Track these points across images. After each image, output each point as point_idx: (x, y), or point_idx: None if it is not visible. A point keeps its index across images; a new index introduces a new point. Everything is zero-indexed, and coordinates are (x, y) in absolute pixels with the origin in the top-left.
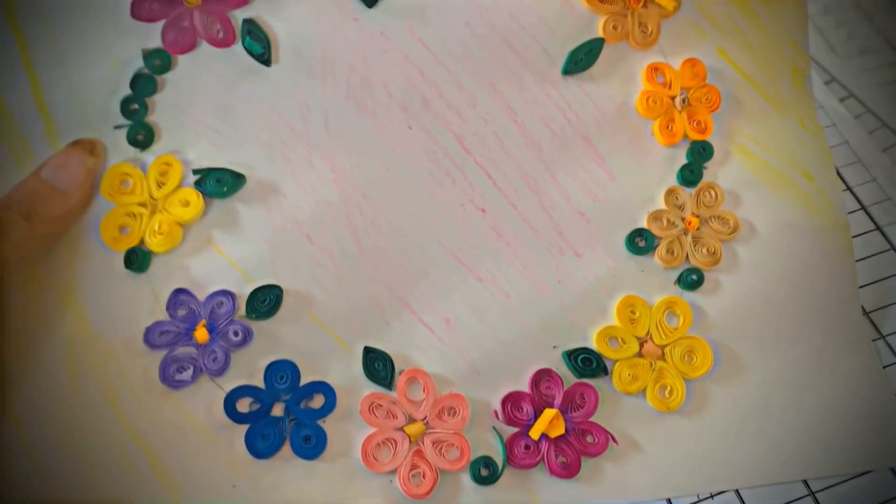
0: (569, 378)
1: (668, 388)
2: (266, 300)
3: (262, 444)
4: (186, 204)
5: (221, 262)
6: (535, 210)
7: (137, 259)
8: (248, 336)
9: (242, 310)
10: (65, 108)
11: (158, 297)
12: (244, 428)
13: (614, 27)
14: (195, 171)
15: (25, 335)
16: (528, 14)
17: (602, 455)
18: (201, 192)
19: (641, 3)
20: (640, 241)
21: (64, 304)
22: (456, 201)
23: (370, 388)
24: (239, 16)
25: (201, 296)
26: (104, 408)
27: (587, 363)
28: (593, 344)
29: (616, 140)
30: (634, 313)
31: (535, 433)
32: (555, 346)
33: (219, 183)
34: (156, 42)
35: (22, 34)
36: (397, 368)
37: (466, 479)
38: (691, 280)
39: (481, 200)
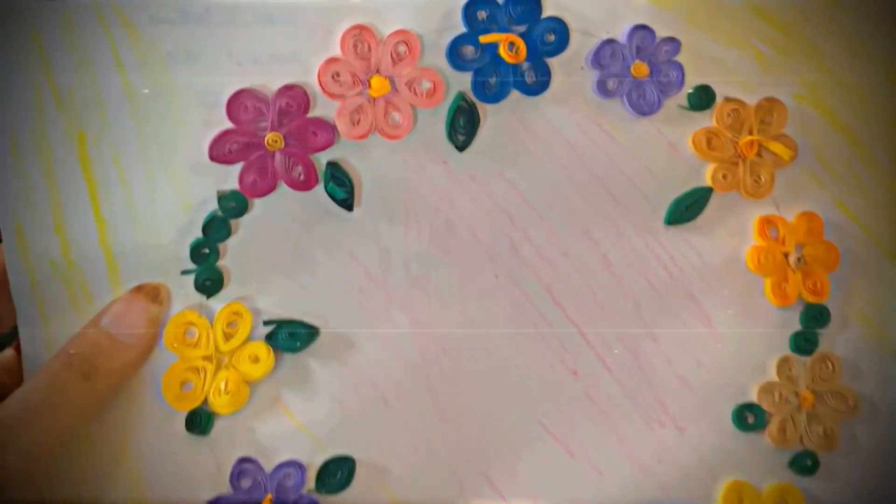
0: None
1: None
2: (338, 473)
3: None
4: (256, 360)
5: (290, 425)
6: (632, 374)
7: (200, 421)
8: None
9: (312, 483)
10: (130, 251)
11: (221, 466)
12: None
13: (724, 176)
14: (266, 322)
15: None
16: (628, 159)
17: None
18: (272, 347)
19: (755, 152)
20: (749, 417)
21: (116, 469)
22: (545, 361)
23: None
24: (322, 158)
25: (268, 465)
26: None
27: None
28: None
29: (723, 298)
30: (742, 502)
31: None
32: None
33: (291, 337)
34: (232, 184)
35: (93, 179)
36: None
37: None
38: (806, 465)
39: (573, 361)
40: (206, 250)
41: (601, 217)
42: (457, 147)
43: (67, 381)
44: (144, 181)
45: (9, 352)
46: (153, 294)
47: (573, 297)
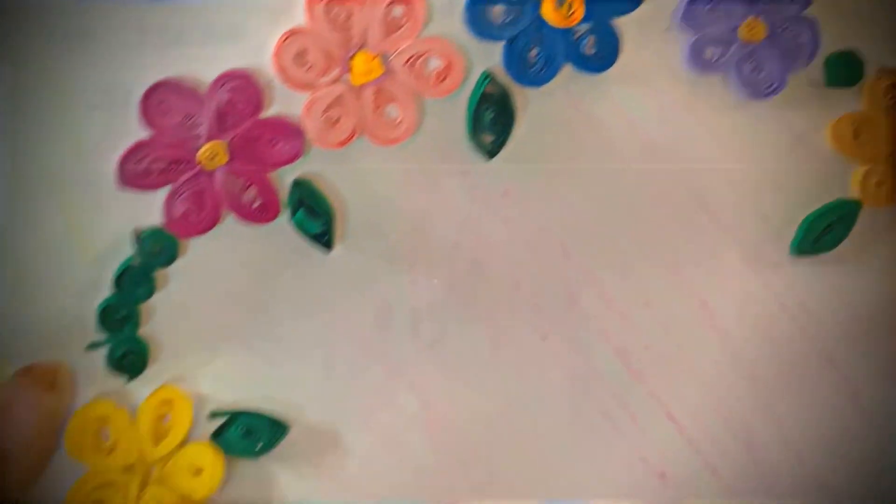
0: None
1: None
2: None
3: None
4: (198, 471)
5: None
6: (749, 479)
7: None
8: None
9: None
10: (12, 316)
11: None
12: None
13: (878, 184)
14: (213, 415)
15: None
16: (736, 161)
17: None
18: (222, 450)
19: None
20: None
21: None
22: (620, 460)
23: None
24: (286, 176)
25: None
26: None
27: None
28: None
29: (877, 361)
30: None
31: None
32: None
33: (249, 435)
34: (155, 218)
35: None
36: None
37: None
38: None
39: (660, 459)
40: (122, 313)
41: (696, 246)
42: (484, 152)
43: None
44: (28, 215)
45: None
46: (48, 379)
47: (656, 363)
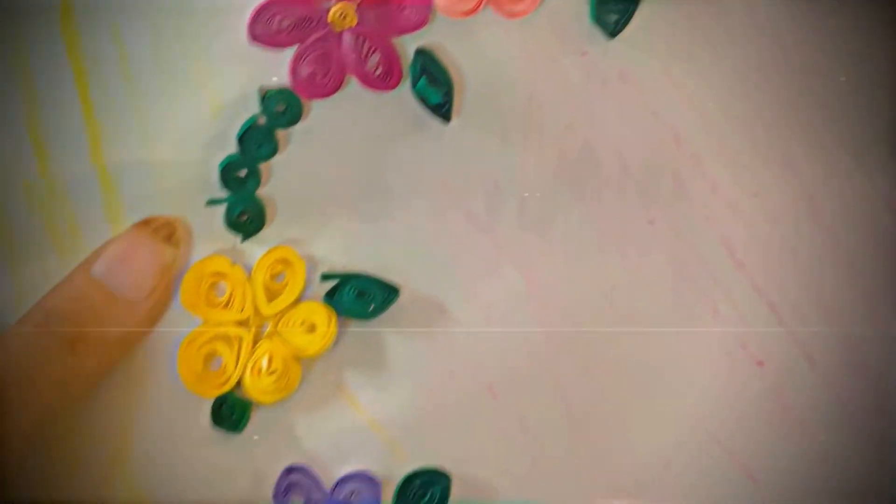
0: None
1: None
2: (426, 494)
3: None
4: (311, 328)
5: (358, 422)
6: (847, 369)
7: (232, 412)
8: None
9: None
10: (135, 170)
11: (261, 476)
12: None
13: None
14: (325, 276)
15: None
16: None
17: None
18: (334, 310)
19: None
20: None
21: (112, 475)
22: (719, 345)
23: None
24: (410, 44)
25: (327, 478)
26: None
27: None
28: None
29: None
30: None
31: None
32: None
33: (361, 297)
34: (281, 78)
35: (83, 67)
36: None
37: None
38: None
39: (759, 346)
40: (243, 172)
41: (808, 143)
42: (606, 31)
43: (44, 350)
44: (155, 71)
45: None
46: (167, 232)
47: (763, 253)
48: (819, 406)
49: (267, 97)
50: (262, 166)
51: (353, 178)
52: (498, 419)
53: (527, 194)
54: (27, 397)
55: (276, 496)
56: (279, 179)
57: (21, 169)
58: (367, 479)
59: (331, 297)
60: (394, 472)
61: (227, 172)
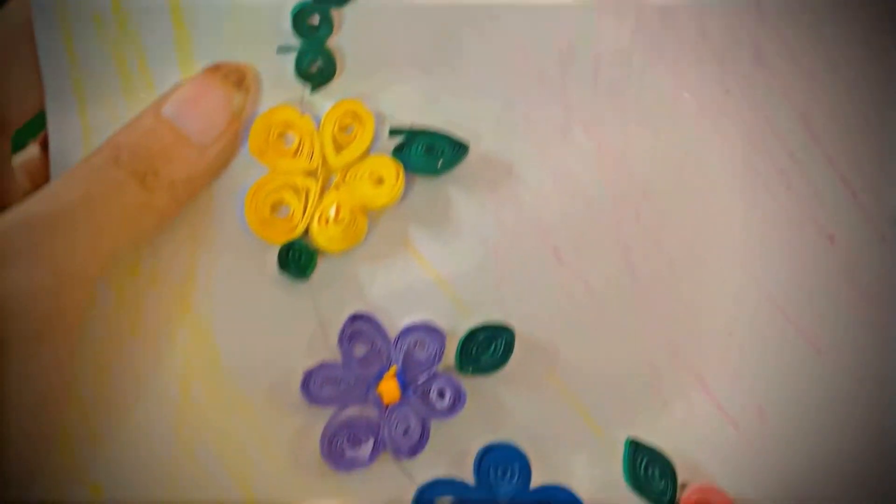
0: None
1: None
2: (490, 347)
3: None
4: (379, 181)
5: (424, 277)
6: None
7: (299, 259)
8: (458, 399)
9: (452, 358)
10: (208, 12)
11: (325, 323)
12: None
13: None
14: (393, 132)
15: (110, 364)
16: None
17: None
18: (402, 165)
19: None
20: None
21: (177, 319)
22: (790, 219)
23: None
24: None
25: (391, 327)
26: (228, 487)
27: None
28: None
29: None
30: None
31: None
32: None
33: (429, 153)
34: None
35: None
36: (680, 479)
37: None
38: None
39: (831, 221)
40: (317, 19)
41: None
42: None
43: (114, 180)
44: None
45: (33, 148)
46: (237, 78)
47: (839, 131)
48: (889, 282)
49: None
50: (336, 13)
51: (425, 34)
52: (562, 281)
53: (601, 57)
54: (97, 228)
55: (340, 342)
56: (350, 30)
57: (92, 2)
58: (431, 330)
59: (399, 152)
60: (457, 327)
61: (299, 18)
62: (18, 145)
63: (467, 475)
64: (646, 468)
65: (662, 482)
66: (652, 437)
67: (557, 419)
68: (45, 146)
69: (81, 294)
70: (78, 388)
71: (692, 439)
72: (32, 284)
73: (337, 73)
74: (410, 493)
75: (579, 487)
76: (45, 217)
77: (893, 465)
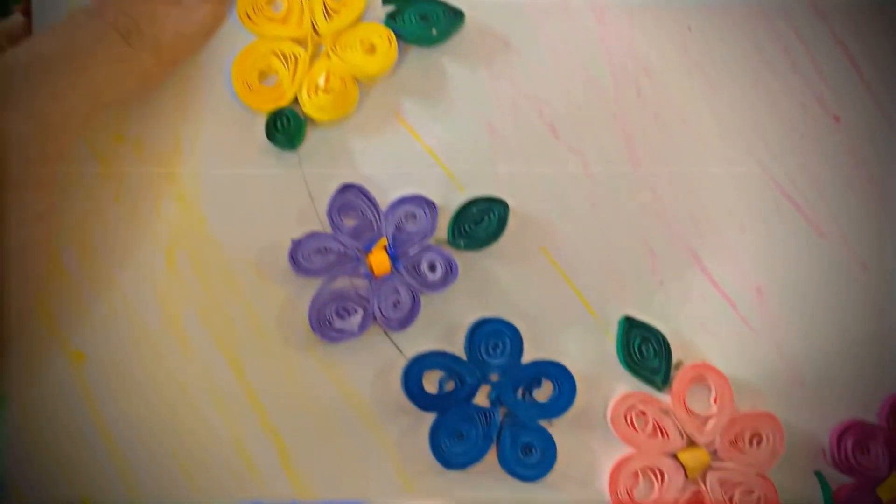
0: None
1: None
2: (482, 220)
3: (455, 447)
4: (371, 49)
5: (415, 148)
6: None
7: (287, 127)
8: (450, 272)
9: (444, 231)
10: None
11: (315, 194)
12: (429, 418)
13: None
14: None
15: (93, 232)
16: None
17: None
18: (395, 33)
19: None
20: None
21: (162, 188)
22: (792, 97)
23: (629, 384)
24: None
25: (382, 200)
26: (214, 365)
27: None
28: None
29: None
30: None
31: (886, 490)
32: None
33: (423, 21)
34: None
35: None
36: (675, 358)
37: None
38: None
39: (834, 100)
40: None
41: None
42: None
43: (95, 32)
44: None
45: (16, 17)
46: None
47: (847, 7)
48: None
49: None
50: None
51: None
52: (558, 158)
53: None
54: (78, 78)
55: (329, 213)
56: None
57: None
58: (423, 202)
59: (392, 20)
60: (450, 202)
61: None
62: (2, 13)
63: (458, 349)
64: (639, 347)
65: (656, 360)
66: (647, 318)
67: (550, 297)
68: (28, 14)
69: (63, 144)
70: (60, 258)
71: (688, 319)
72: (11, 129)
73: None
74: (400, 366)
75: (572, 365)
76: (25, 64)
77: (890, 347)
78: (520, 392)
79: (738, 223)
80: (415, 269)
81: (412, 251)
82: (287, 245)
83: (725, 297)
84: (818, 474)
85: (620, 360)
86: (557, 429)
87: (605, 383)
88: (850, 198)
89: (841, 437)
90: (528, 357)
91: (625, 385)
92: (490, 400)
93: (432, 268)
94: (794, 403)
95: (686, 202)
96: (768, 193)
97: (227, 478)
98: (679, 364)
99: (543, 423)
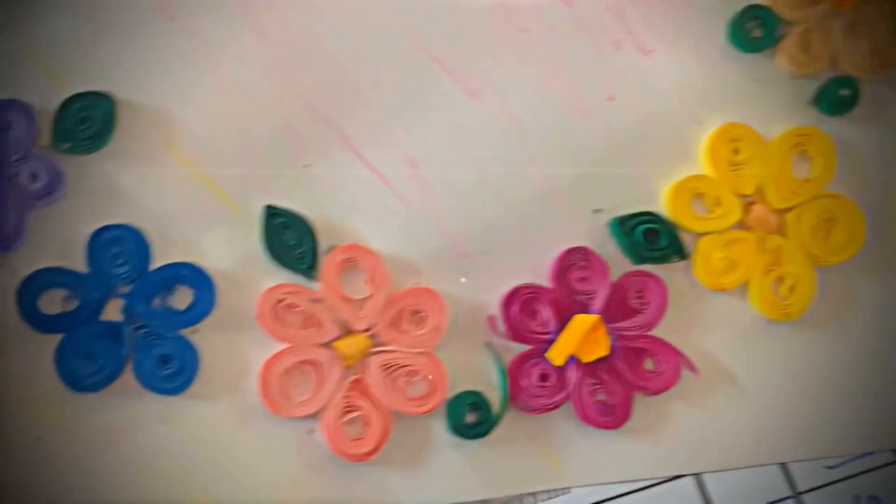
0: (619, 263)
1: (789, 281)
2: (87, 119)
3: (85, 369)
4: None
5: None
6: None
7: None
8: (56, 182)
9: (47, 136)
10: None
11: None
12: (54, 340)
13: None
14: None
15: None
16: None
17: (668, 392)
18: None
19: None
20: (753, 28)
21: None
22: None
23: (276, 277)
24: None
25: None
26: None
27: (651, 238)
28: (664, 207)
29: None
30: (738, 154)
31: (558, 355)
32: (597, 210)
33: None
34: None
35: None
36: (323, 244)
37: (441, 428)
38: (839, 97)
39: None
40: None
41: None
42: None
43: None
44: None
45: None
46: None
47: None
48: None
49: None
50: None
51: None
52: (172, 41)
53: None
54: None
55: None
56: None
57: None
58: (19, 107)
59: None
60: (51, 99)
61: None
62: None
63: (79, 264)
64: (283, 234)
65: (303, 247)
66: (295, 206)
67: (182, 196)
68: None
69: None
70: None
71: (340, 202)
72: None
73: None
74: (13, 290)
75: (215, 266)
76: None
77: (557, 206)
78: (157, 301)
79: (387, 97)
80: (15, 182)
81: (12, 161)
82: None
83: (378, 175)
84: (488, 345)
85: (266, 252)
86: (203, 335)
87: (254, 280)
88: (502, 62)
89: (507, 302)
90: (160, 261)
91: (276, 280)
92: (123, 314)
93: (34, 178)
94: (458, 276)
95: (325, 78)
96: (419, 62)
97: None
98: (330, 248)
99: (187, 331)
